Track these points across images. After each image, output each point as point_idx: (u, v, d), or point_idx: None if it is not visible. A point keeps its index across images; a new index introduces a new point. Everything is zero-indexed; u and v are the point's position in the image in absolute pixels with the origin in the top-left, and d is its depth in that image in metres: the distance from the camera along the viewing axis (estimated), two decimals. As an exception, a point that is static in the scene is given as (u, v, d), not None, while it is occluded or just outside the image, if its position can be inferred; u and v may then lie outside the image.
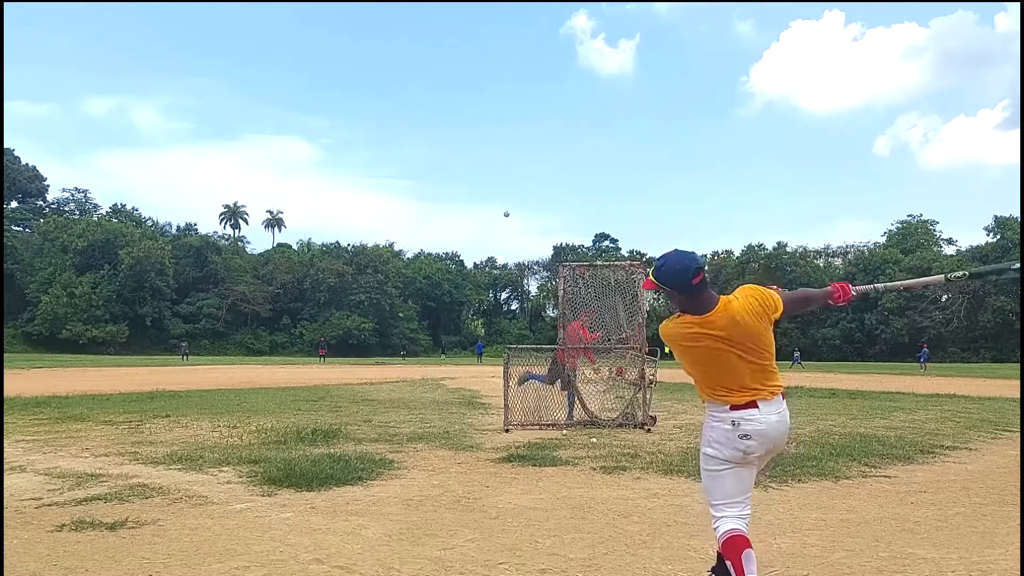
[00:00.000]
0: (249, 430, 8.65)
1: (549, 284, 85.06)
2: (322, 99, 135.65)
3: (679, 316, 2.91)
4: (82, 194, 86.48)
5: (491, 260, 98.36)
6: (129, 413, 10.60)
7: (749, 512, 2.95)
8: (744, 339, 2.82)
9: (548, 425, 9.19)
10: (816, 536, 4.19)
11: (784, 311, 2.92)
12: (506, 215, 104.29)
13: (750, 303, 2.85)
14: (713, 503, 2.94)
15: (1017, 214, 66.71)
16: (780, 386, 2.93)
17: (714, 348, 2.83)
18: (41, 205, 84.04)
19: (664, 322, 2.97)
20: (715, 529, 2.93)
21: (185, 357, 50.31)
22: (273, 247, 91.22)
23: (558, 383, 9.68)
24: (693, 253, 2.88)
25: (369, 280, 79.55)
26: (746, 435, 2.83)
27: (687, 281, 2.82)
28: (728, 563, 2.81)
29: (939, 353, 64.82)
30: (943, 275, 3.30)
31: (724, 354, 2.83)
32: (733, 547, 2.81)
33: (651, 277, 2.93)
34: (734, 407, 2.85)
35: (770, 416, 2.86)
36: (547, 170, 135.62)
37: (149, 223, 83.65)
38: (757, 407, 2.85)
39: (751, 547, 2.82)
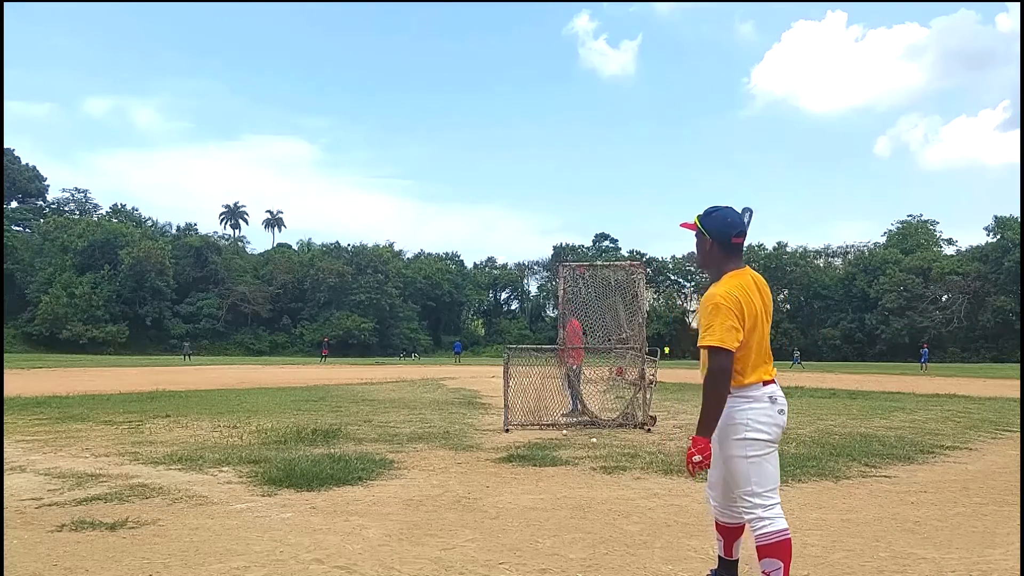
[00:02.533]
0: (249, 430, 8.64)
1: (549, 284, 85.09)
2: (322, 99, 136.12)
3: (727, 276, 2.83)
4: (82, 194, 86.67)
5: (491, 260, 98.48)
6: (129, 413, 10.59)
7: None
8: (768, 304, 2.87)
9: (548, 425, 9.19)
10: (816, 536, 4.18)
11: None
12: None
13: (762, 280, 2.92)
14: (763, 493, 2.72)
15: (1017, 214, 66.71)
16: None
17: (760, 303, 2.83)
18: (41, 205, 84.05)
19: (714, 286, 2.82)
20: (765, 523, 2.69)
21: (187, 357, 50.24)
22: (273, 247, 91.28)
23: (564, 380, 9.70)
24: (743, 217, 2.88)
25: (369, 280, 79.58)
26: (782, 410, 2.81)
27: (729, 236, 2.83)
28: (779, 563, 2.67)
29: (939, 353, 64.82)
30: None
31: (764, 313, 2.84)
32: (788, 550, 2.69)
33: (696, 219, 2.90)
34: (765, 382, 2.81)
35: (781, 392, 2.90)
36: (547, 170, 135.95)
37: (149, 223, 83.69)
38: (775, 382, 2.85)
39: None
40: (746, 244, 2.98)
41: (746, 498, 2.75)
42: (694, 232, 2.93)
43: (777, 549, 2.68)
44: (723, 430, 2.78)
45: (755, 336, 2.77)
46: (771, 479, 2.75)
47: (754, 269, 2.94)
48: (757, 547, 2.75)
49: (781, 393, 2.86)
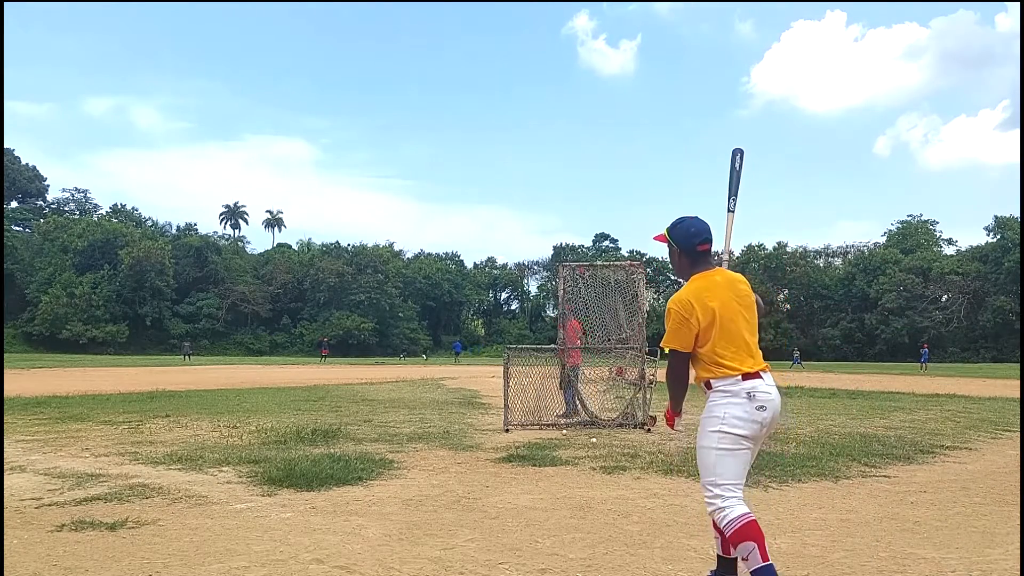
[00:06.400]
0: (249, 430, 8.65)
1: (549, 284, 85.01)
2: (322, 99, 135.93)
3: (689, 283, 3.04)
4: (82, 194, 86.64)
5: (491, 260, 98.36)
6: (129, 413, 10.59)
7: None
8: (743, 300, 2.97)
9: (548, 425, 9.19)
10: (816, 536, 4.18)
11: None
12: None
13: (738, 277, 3.03)
14: (720, 484, 2.84)
15: (1017, 214, 66.70)
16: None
17: (727, 301, 2.93)
18: (41, 205, 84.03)
19: (676, 293, 3.03)
20: (722, 512, 2.81)
21: (187, 357, 50.18)
22: (273, 247, 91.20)
23: (560, 381, 9.71)
24: (708, 225, 3.05)
25: (369, 280, 79.52)
26: (762, 406, 2.85)
27: (694, 245, 3.02)
28: (752, 545, 2.71)
29: (939, 353, 64.78)
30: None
31: (734, 308, 2.93)
32: (755, 530, 2.74)
33: (665, 231, 3.09)
34: (745, 376, 2.87)
35: (772, 388, 2.93)
36: (547, 170, 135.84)
37: (149, 223, 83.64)
38: (762, 378, 2.90)
39: None
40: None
41: (708, 487, 2.89)
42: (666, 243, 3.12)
43: (745, 532, 2.76)
44: (702, 422, 2.94)
45: (719, 331, 2.91)
46: (735, 474, 2.86)
47: (755, 269, 3.01)
48: (728, 537, 2.84)
49: (768, 389, 2.90)
